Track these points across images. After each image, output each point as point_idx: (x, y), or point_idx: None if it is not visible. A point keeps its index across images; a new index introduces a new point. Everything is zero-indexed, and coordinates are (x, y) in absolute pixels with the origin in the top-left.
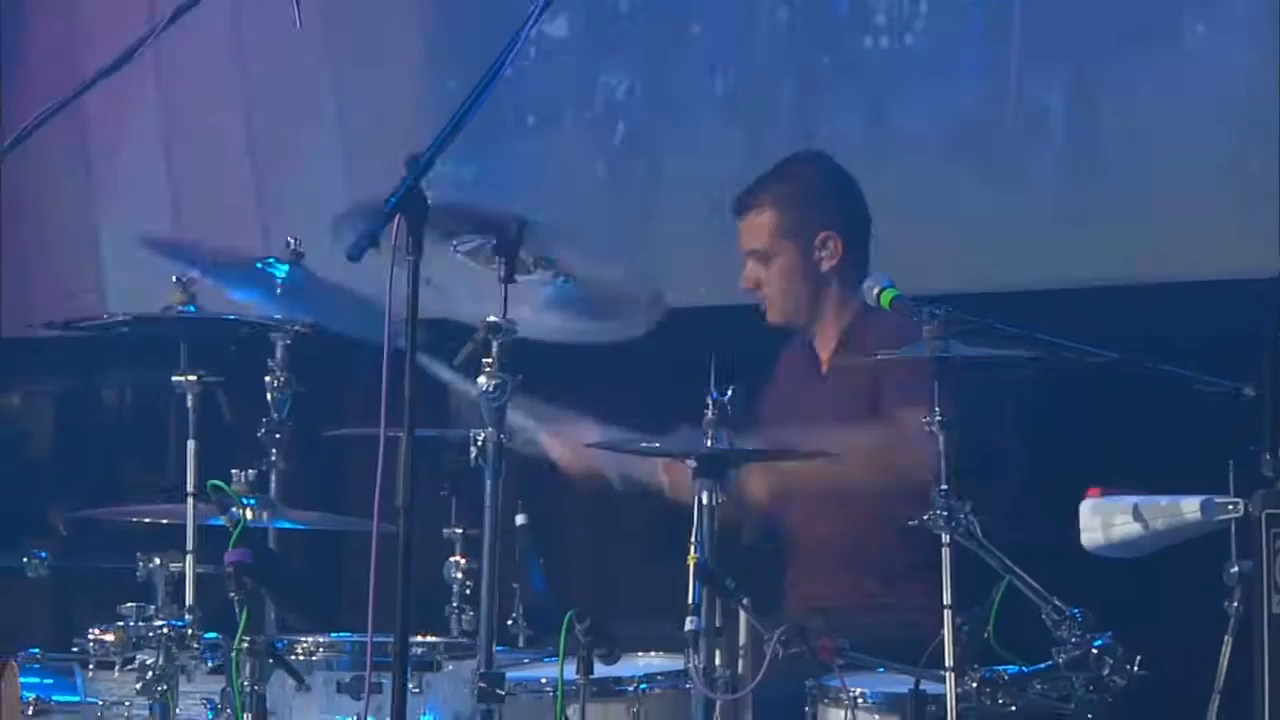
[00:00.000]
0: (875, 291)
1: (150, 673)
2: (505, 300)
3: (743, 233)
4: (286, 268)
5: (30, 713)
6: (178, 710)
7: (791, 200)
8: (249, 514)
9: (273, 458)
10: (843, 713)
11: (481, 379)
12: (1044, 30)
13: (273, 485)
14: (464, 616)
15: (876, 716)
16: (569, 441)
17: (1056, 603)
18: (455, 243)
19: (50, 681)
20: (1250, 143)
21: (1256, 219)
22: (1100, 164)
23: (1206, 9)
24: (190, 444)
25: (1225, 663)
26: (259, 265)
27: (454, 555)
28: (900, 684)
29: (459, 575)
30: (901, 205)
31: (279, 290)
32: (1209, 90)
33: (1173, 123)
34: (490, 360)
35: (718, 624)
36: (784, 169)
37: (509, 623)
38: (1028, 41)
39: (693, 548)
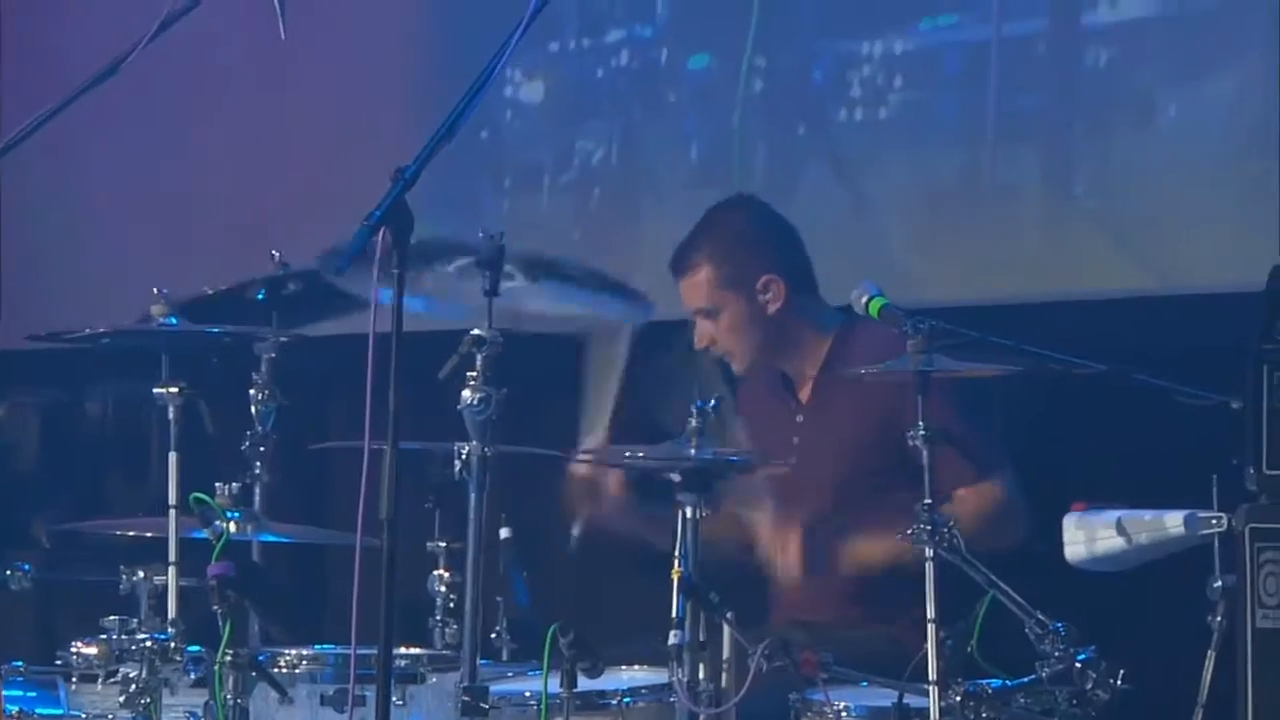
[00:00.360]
0: (864, 300)
1: (134, 685)
2: (490, 313)
3: (684, 293)
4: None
5: None
6: None
7: (725, 251)
8: (232, 527)
9: (257, 470)
10: None
11: (466, 392)
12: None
13: (256, 498)
14: (447, 629)
15: None
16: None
17: (1040, 616)
18: (448, 265)
19: (34, 694)
20: (1246, 156)
21: (1244, 233)
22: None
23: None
24: (172, 456)
25: (1208, 677)
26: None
27: (438, 568)
28: (884, 698)
29: (442, 588)
30: (877, 266)
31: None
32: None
33: (1160, 142)
34: (475, 373)
35: (701, 638)
36: (713, 218)
37: (492, 636)
38: (1002, 116)
39: (677, 562)
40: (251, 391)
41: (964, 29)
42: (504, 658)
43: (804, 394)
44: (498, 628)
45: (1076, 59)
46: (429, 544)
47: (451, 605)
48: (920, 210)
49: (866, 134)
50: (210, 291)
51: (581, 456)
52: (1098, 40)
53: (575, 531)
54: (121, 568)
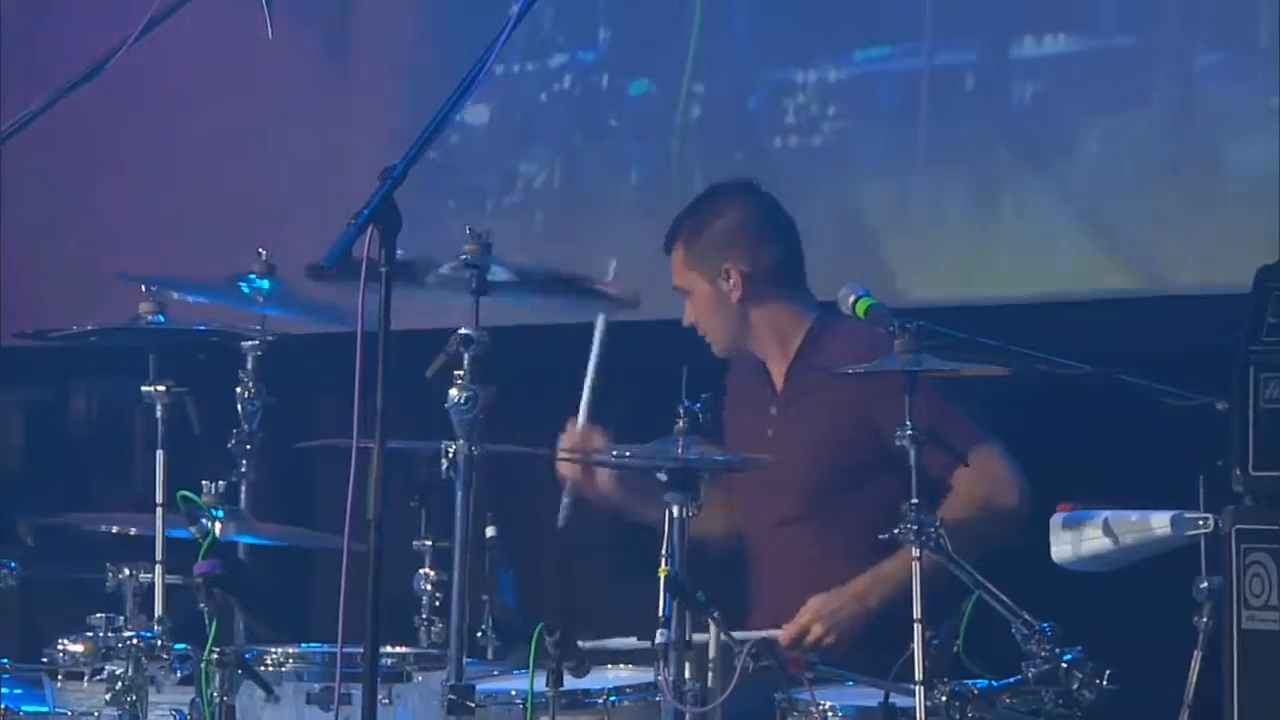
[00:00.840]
0: (850, 300)
1: (120, 683)
2: (476, 312)
3: (673, 276)
4: (267, 282)
5: None
6: None
7: (695, 234)
8: (218, 526)
9: (243, 469)
10: None
11: (453, 391)
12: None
13: (242, 497)
14: (433, 628)
15: None
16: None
17: (1026, 617)
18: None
19: (19, 691)
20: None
21: (1230, 233)
22: (1068, 175)
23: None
24: (159, 454)
25: (1194, 677)
26: (240, 282)
27: (423, 567)
28: (869, 697)
29: (428, 587)
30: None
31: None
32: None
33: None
34: (462, 372)
35: (688, 637)
36: (701, 201)
37: (478, 635)
38: (934, 137)
39: (664, 560)
40: (238, 389)
41: (896, 60)
42: (489, 656)
43: (778, 385)
44: (483, 626)
45: (1004, 91)
46: (415, 543)
47: (437, 604)
48: (853, 236)
49: (800, 161)
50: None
51: (569, 456)
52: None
53: (565, 501)
54: (107, 565)
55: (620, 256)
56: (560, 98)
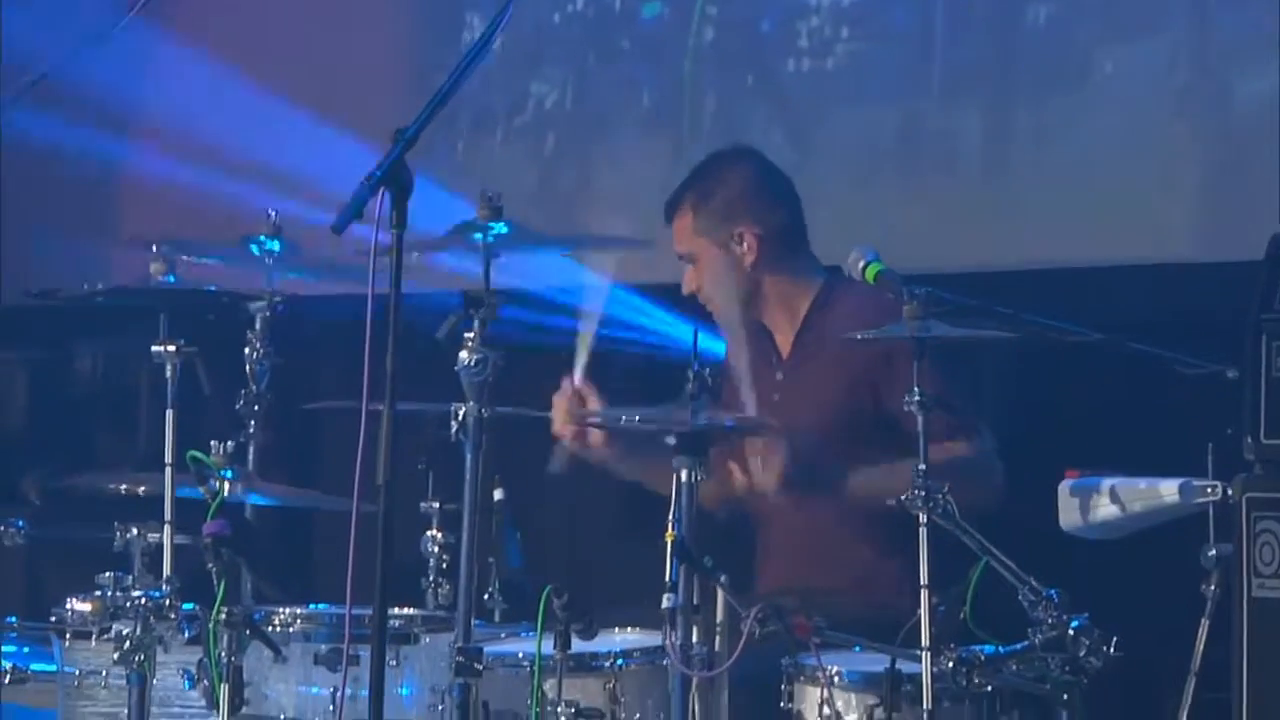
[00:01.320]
0: (860, 265)
1: (128, 642)
2: (487, 273)
3: (674, 238)
4: (277, 243)
5: (6, 681)
6: (155, 680)
7: (706, 199)
8: (227, 487)
9: (251, 429)
10: (818, 691)
11: (463, 353)
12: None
13: (250, 457)
14: (440, 590)
15: (852, 695)
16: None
17: (1033, 583)
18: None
19: (27, 650)
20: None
21: (1241, 202)
22: (1080, 144)
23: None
24: (169, 414)
25: (1201, 645)
26: (250, 243)
27: (431, 529)
28: (876, 663)
29: (435, 549)
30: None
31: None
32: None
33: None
34: (472, 334)
35: (695, 601)
36: (703, 168)
37: (485, 597)
38: (948, 60)
39: (671, 525)
40: (246, 350)
41: None
42: (496, 619)
43: (784, 351)
44: (490, 589)
45: (1018, 15)
46: (422, 505)
47: (444, 566)
48: (863, 163)
49: (813, 84)
50: None
51: (580, 417)
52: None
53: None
54: (115, 525)
55: (631, 178)
56: (573, 19)
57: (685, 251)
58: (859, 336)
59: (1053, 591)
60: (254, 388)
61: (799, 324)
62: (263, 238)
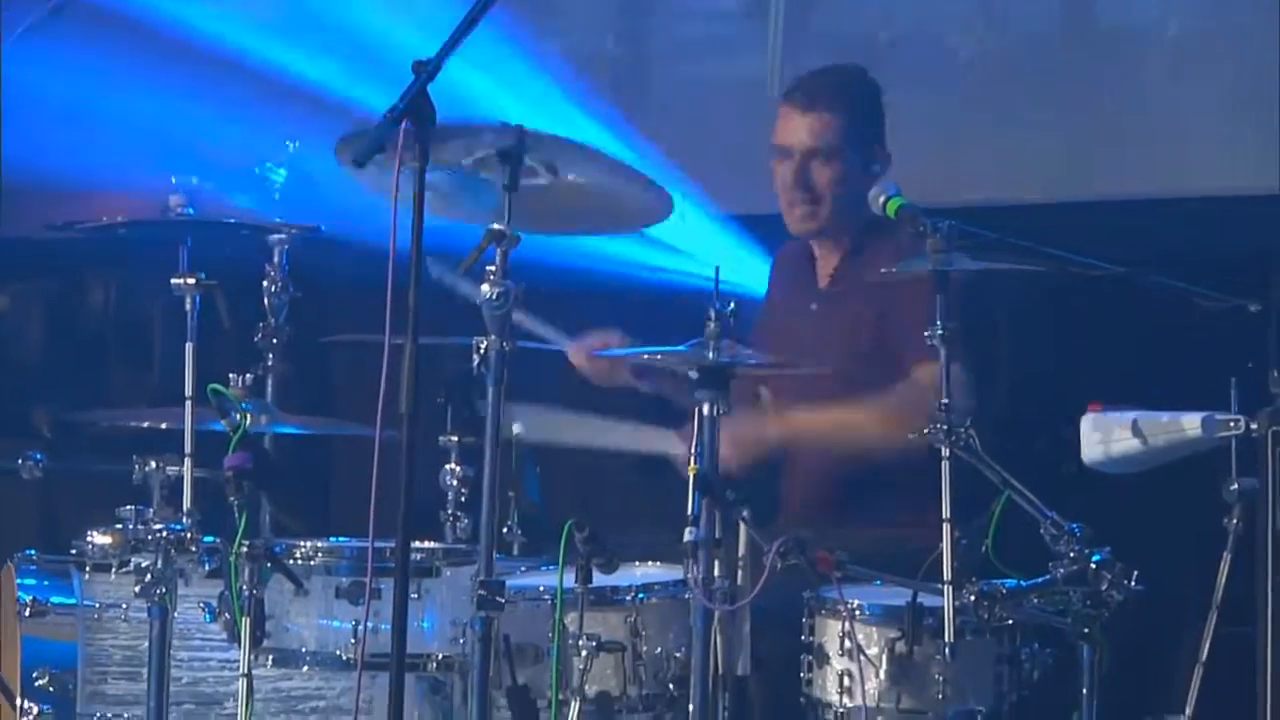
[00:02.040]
0: (881, 200)
1: (149, 575)
2: (509, 207)
3: (799, 129)
4: (284, 172)
5: (26, 614)
6: (175, 614)
7: (858, 106)
8: (248, 419)
9: (269, 363)
10: (840, 624)
11: (485, 286)
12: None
13: (269, 391)
14: (459, 524)
15: (874, 628)
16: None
17: (1055, 517)
18: (465, 158)
19: (47, 583)
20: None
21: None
22: (1103, 78)
23: None
24: (188, 347)
25: (1223, 579)
26: (256, 171)
27: (449, 463)
28: (898, 597)
29: (454, 483)
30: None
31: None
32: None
33: (1176, 36)
34: (494, 268)
35: (717, 535)
36: (841, 74)
37: (504, 530)
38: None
39: (693, 458)
40: (265, 283)
41: None
42: (515, 552)
43: (823, 280)
44: (509, 522)
45: None
46: (441, 438)
47: (463, 499)
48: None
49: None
50: None
51: (601, 352)
52: None
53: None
54: (134, 458)
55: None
56: None
57: (823, 146)
58: (882, 271)
59: (1075, 525)
60: (272, 321)
61: (845, 251)
62: (270, 164)
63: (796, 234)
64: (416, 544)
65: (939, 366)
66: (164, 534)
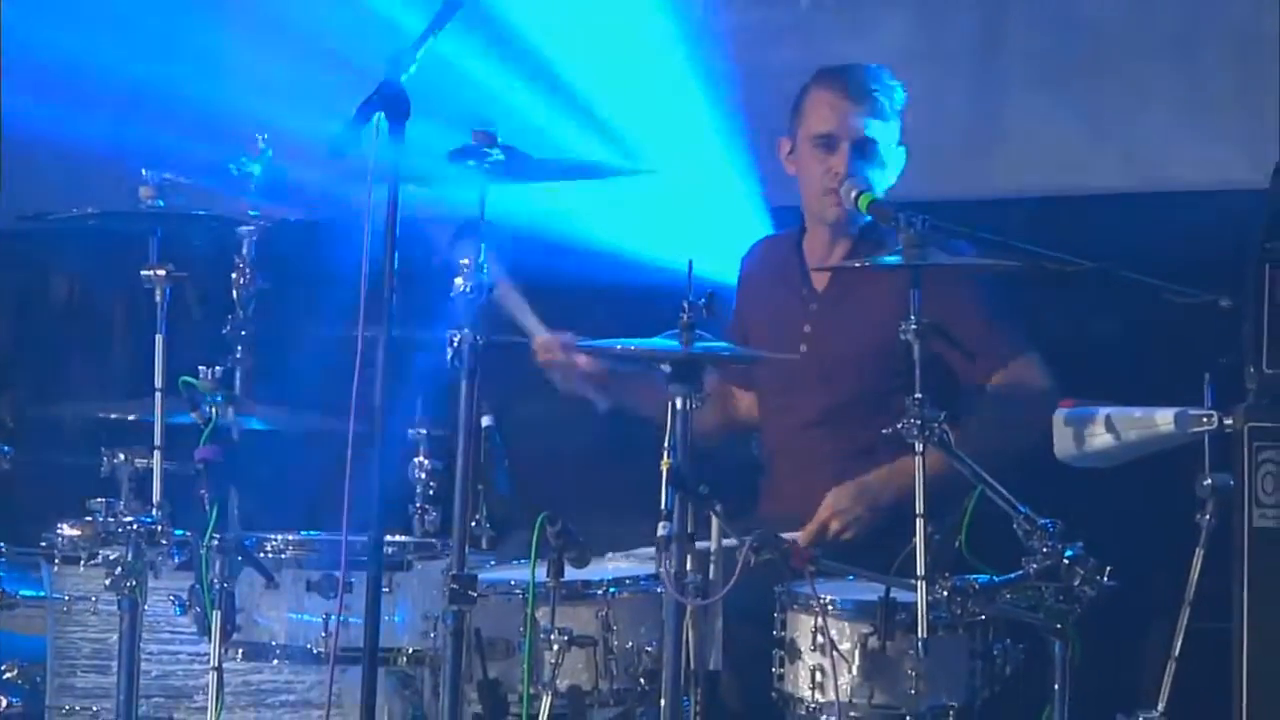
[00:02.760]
0: (854, 195)
1: (119, 568)
2: (483, 203)
3: (850, 117)
4: (260, 166)
5: None
6: (145, 606)
7: (895, 107)
8: (216, 412)
9: (238, 355)
10: (813, 619)
11: (459, 280)
12: None
13: (237, 383)
14: (427, 516)
15: (846, 623)
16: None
17: (1028, 512)
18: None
19: (15, 576)
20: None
21: (1244, 130)
22: (1080, 69)
23: None
24: (158, 339)
25: (1196, 575)
26: (230, 166)
27: (418, 455)
28: (871, 591)
29: (423, 475)
30: None
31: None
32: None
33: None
34: (468, 261)
35: (690, 529)
36: (881, 73)
37: (473, 524)
38: None
39: (666, 453)
40: (234, 275)
41: None
42: (484, 546)
43: (820, 284)
44: (478, 516)
45: None
46: (410, 430)
47: (432, 492)
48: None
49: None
50: None
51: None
52: None
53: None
54: (102, 450)
55: None
56: None
57: (863, 139)
58: (857, 265)
59: (1047, 521)
60: (241, 313)
61: (849, 247)
62: (244, 159)
63: (829, 221)
64: (387, 538)
65: (1027, 362)
66: (134, 526)
